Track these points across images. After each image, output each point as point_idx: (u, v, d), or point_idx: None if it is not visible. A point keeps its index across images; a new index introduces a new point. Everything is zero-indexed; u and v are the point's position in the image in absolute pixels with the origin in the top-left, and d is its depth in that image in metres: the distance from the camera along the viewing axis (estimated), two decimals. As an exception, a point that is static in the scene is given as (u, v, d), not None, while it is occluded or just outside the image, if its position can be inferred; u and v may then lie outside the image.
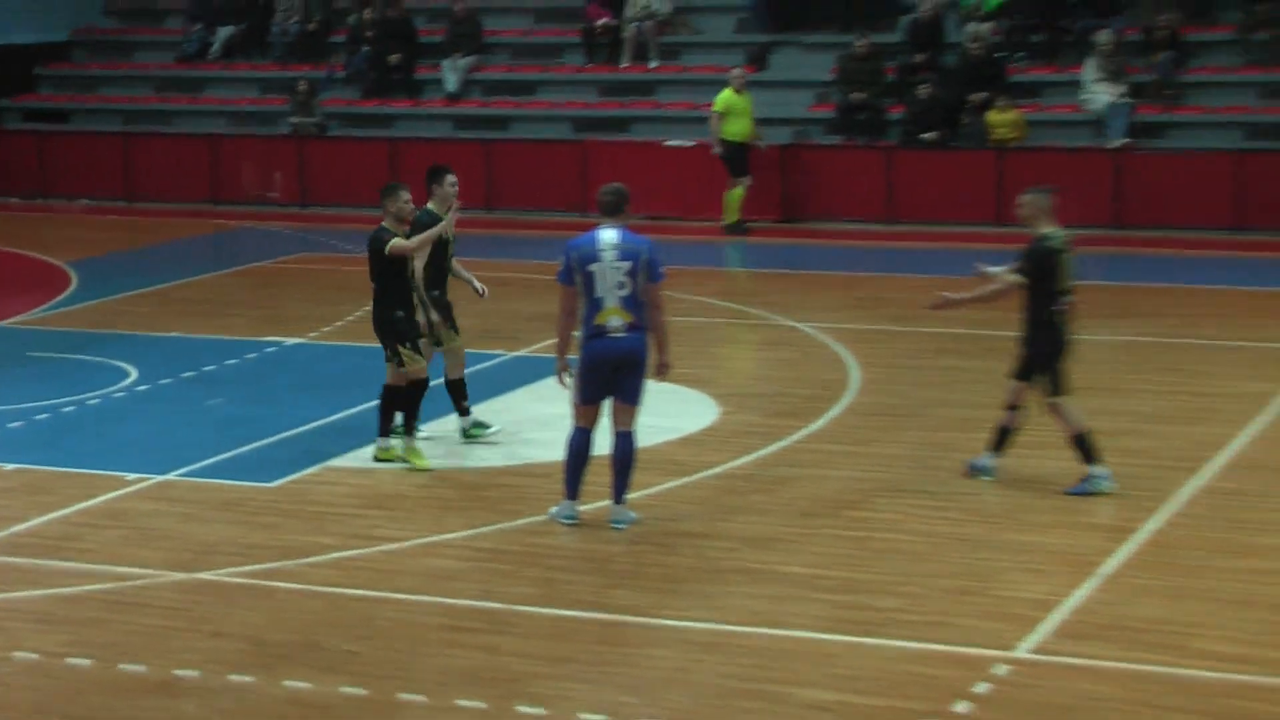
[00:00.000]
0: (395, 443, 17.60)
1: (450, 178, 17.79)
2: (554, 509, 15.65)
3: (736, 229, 31.37)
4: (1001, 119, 31.63)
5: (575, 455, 15.45)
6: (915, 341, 23.18)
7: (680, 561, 14.78)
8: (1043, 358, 16.41)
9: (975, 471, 16.74)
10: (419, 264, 17.50)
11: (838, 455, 17.93)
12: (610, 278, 15.10)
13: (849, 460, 17.78)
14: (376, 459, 17.52)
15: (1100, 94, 31.59)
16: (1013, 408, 16.62)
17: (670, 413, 18.43)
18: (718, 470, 17.32)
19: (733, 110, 31.28)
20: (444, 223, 17.44)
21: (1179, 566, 14.56)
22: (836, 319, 23.79)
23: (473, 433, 18.23)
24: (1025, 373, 16.55)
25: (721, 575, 14.43)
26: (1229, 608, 13.60)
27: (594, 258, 15.13)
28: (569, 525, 15.47)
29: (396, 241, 16.89)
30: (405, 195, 17.27)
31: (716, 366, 21.11)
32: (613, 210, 15.38)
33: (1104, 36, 31.71)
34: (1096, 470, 16.25)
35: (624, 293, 15.10)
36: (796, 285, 27.99)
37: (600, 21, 35.18)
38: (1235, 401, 19.71)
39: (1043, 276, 16.27)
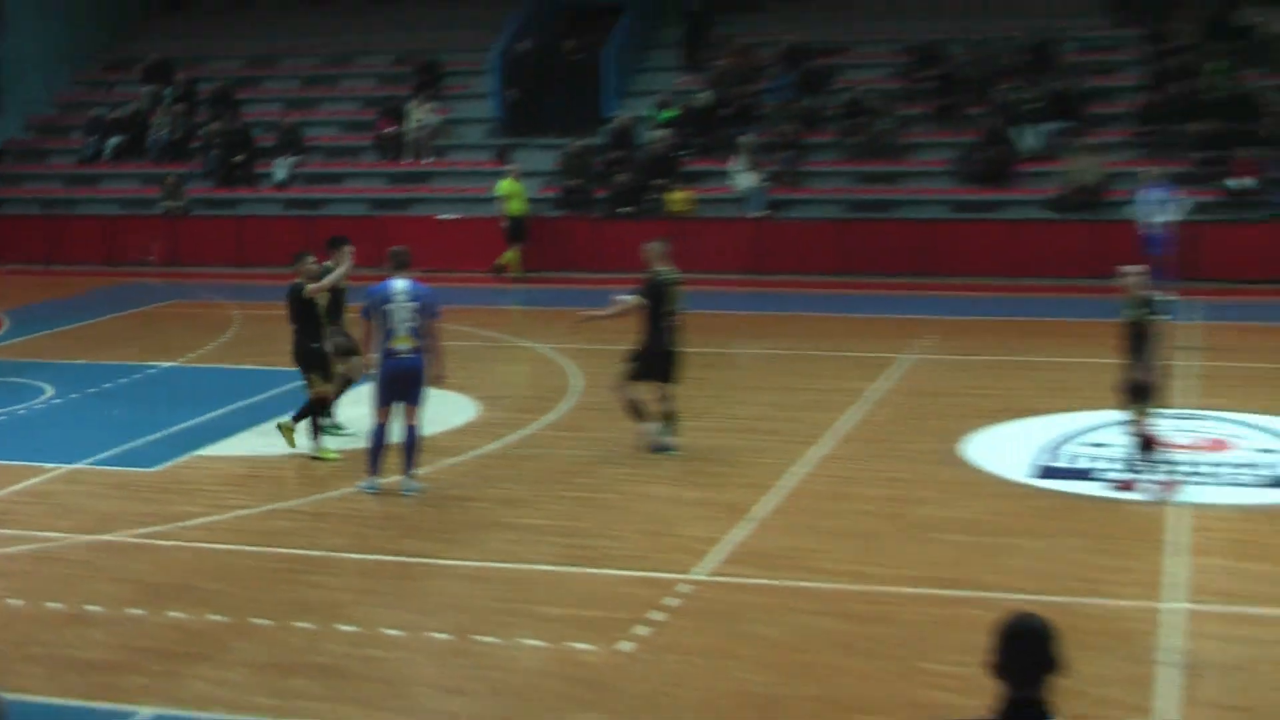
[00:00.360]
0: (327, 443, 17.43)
1: (348, 247, 18.02)
2: (361, 482, 15.84)
3: (499, 275, 31.59)
4: (676, 197, 32.22)
5: (376, 443, 15.77)
6: (610, 356, 23.43)
7: (453, 518, 15.02)
8: (650, 357, 17.00)
9: (659, 449, 17.08)
10: (322, 306, 17.50)
11: (566, 439, 18.06)
12: (401, 314, 15.55)
13: (574, 442, 17.95)
14: (314, 457, 17.22)
15: (744, 179, 32.41)
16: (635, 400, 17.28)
17: (443, 410, 18.59)
18: (479, 452, 17.50)
19: (511, 194, 31.70)
20: (340, 272, 17.64)
21: (803, 510, 15.04)
22: (562, 341, 24.07)
23: (332, 431, 17.99)
24: (641, 371, 17.14)
25: (483, 527, 14.68)
26: (838, 538, 14.13)
27: (389, 299, 15.59)
28: (372, 494, 15.66)
29: (309, 285, 17.14)
30: (311, 258, 17.54)
31: (476, 377, 21.09)
32: (402, 265, 15.86)
33: (746, 139, 32.57)
34: (648, 426, 17.16)
35: (411, 325, 15.58)
36: (534, 318, 28.10)
37: (388, 130, 35.53)
38: (839, 394, 19.98)
39: (656, 301, 16.98)
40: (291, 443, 17.46)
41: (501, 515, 15.03)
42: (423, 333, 15.76)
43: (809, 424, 18.52)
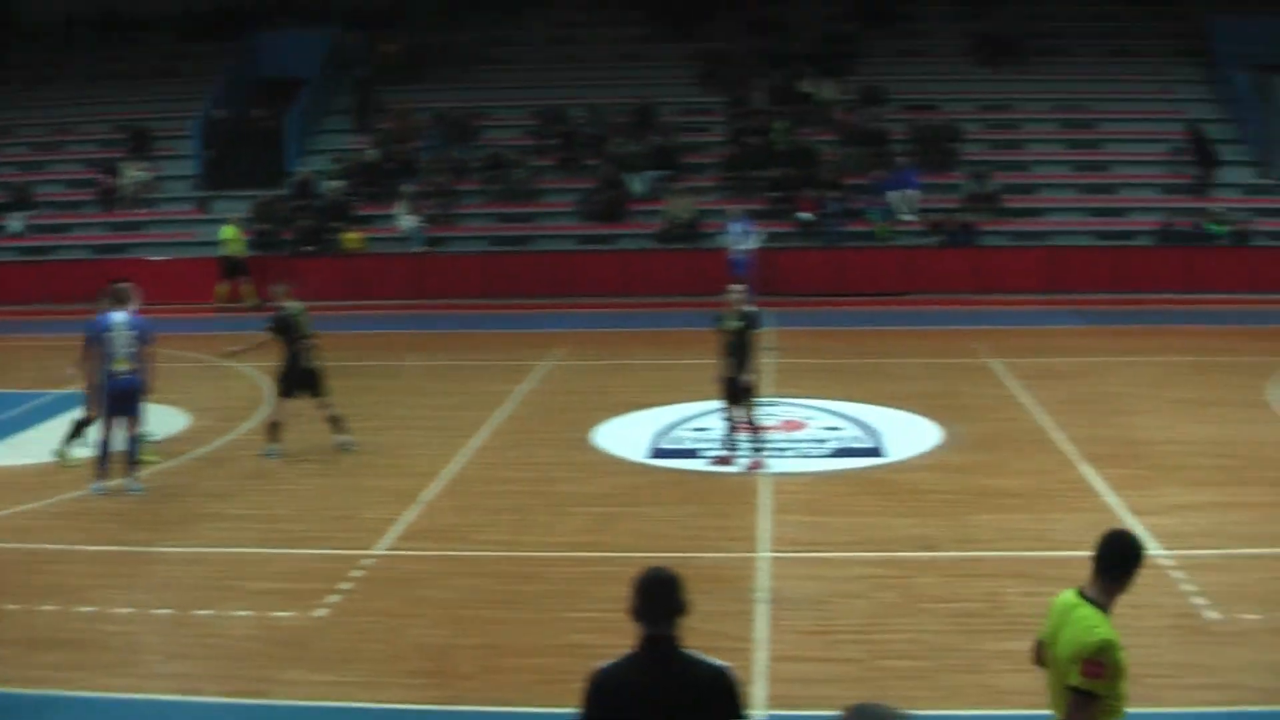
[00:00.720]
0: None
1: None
2: (93, 485, 15.19)
3: (226, 306, 30.59)
4: (350, 237, 31.81)
5: (103, 450, 15.23)
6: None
7: (170, 511, 14.52)
8: (292, 376, 16.80)
9: (342, 448, 16.85)
10: None
11: (260, 442, 17.22)
12: (121, 341, 15.16)
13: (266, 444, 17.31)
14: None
15: (406, 221, 32.21)
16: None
17: (159, 422, 18.22)
18: (190, 455, 16.96)
19: (232, 237, 30.91)
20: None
21: (463, 492, 15.02)
22: (250, 359, 23.61)
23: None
24: (286, 390, 16.94)
25: (196, 518, 14.26)
26: (493, 514, 14.16)
27: (109, 329, 15.21)
28: (101, 495, 15.05)
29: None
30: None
31: (187, 392, 20.67)
32: (122, 300, 15.49)
33: (406, 188, 32.47)
34: (274, 449, 16.73)
35: (130, 350, 15.19)
36: (235, 341, 27.34)
37: (106, 185, 34.26)
38: (490, 396, 19.92)
39: (286, 331, 16.82)
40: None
41: (211, 507, 14.67)
42: (139, 356, 15.34)
43: (465, 421, 18.47)
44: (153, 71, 38.67)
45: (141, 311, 15.82)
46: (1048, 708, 6.79)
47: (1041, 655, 6.93)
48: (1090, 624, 6.50)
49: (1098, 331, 26.04)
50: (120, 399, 15.34)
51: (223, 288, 31.05)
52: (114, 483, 15.32)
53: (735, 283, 17.28)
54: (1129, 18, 38.19)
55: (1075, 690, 6.41)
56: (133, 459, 15.42)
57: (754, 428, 15.93)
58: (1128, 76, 36.02)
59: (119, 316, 15.39)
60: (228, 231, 31.10)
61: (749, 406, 15.87)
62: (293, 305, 17.14)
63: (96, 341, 15.35)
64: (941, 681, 9.70)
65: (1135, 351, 23.64)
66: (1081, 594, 6.76)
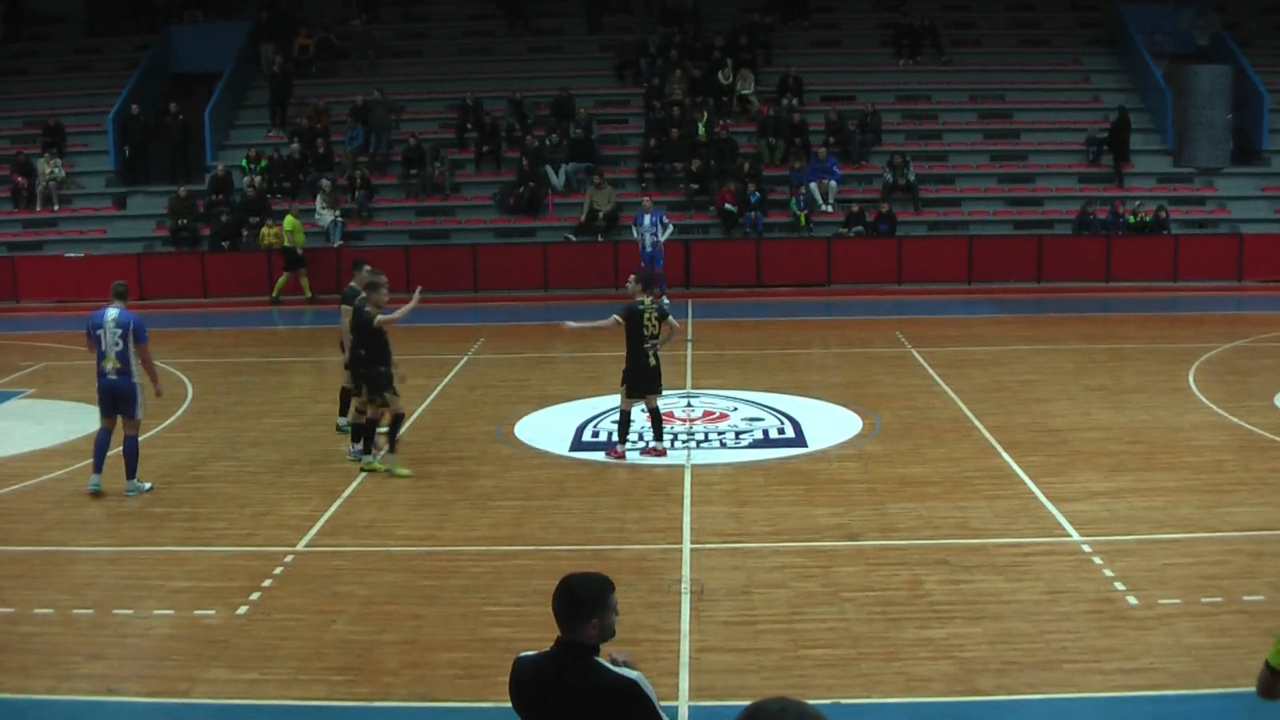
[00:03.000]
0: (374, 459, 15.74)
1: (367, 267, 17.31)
2: (91, 479, 14.87)
3: (277, 301, 30.48)
4: (268, 232, 31.38)
5: (99, 447, 15.02)
6: (220, 369, 22.92)
7: (89, 511, 14.37)
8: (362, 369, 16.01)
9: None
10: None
11: (180, 439, 17.43)
12: (109, 338, 14.83)
13: (189, 442, 17.31)
14: (364, 470, 15.57)
15: (326, 215, 32.09)
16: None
17: (79, 420, 18.26)
18: (111, 453, 15.43)
19: (293, 229, 30.32)
20: (410, 306, 16.19)
21: (383, 487, 14.93)
22: (179, 357, 23.51)
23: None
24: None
25: (115, 517, 14.12)
26: (413, 509, 14.13)
27: (100, 325, 14.90)
28: (93, 492, 14.81)
29: (381, 317, 15.94)
30: (367, 267, 17.35)
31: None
32: (118, 296, 15.11)
33: (324, 183, 32.26)
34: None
35: (119, 349, 14.82)
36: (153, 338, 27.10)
37: (20, 183, 33.77)
38: (411, 391, 18.72)
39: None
40: (402, 471, 15.50)
41: (131, 506, 14.49)
42: (132, 355, 14.96)
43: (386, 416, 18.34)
44: (64, 67, 38.29)
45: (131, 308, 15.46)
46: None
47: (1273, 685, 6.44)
48: None
49: (1016, 320, 26.34)
50: (108, 399, 15.06)
51: (282, 279, 30.73)
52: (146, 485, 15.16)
53: (647, 274, 17.17)
54: (1043, 7, 38.70)
55: None
56: (131, 468, 15.02)
57: (660, 417, 16.12)
58: (1043, 66, 36.50)
59: (110, 313, 15.01)
60: (289, 223, 30.57)
61: (656, 395, 16.09)
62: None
63: (90, 338, 15.12)
64: (863, 670, 9.78)
65: (1054, 340, 23.95)
66: None
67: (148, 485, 15.14)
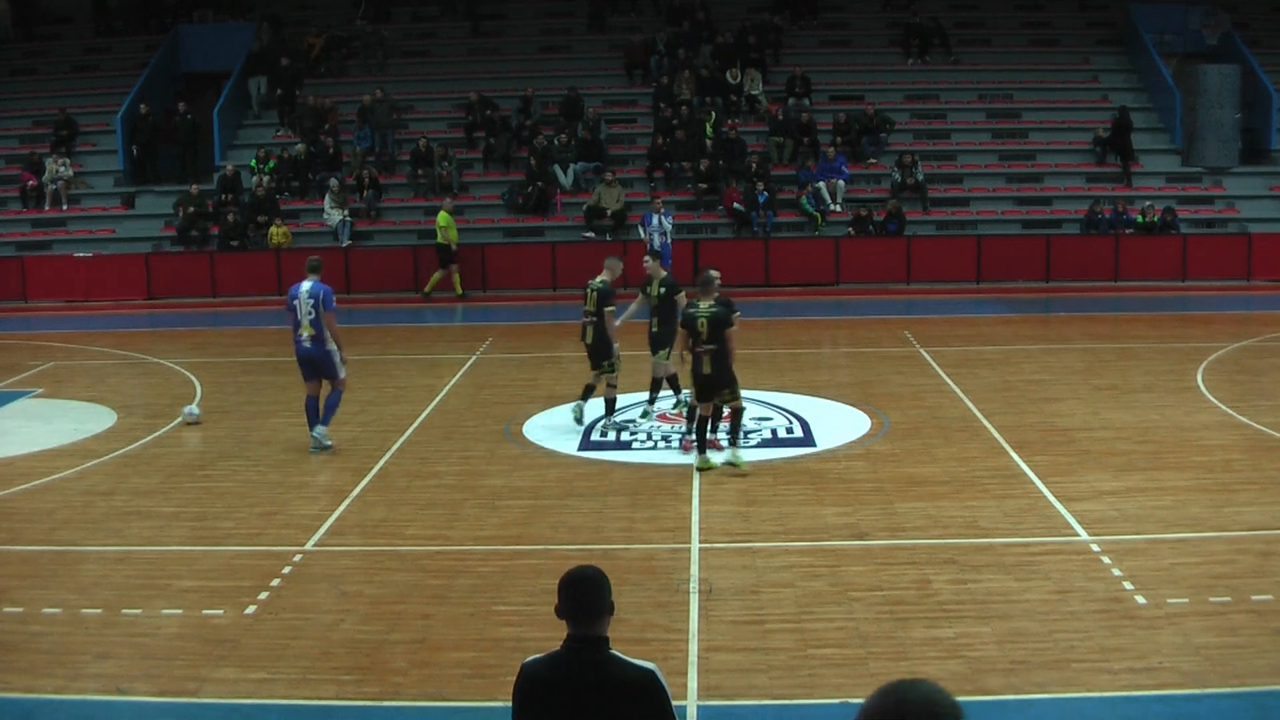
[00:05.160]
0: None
1: (611, 260, 18.08)
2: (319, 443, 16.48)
3: (427, 296, 30.51)
4: (276, 231, 31.60)
5: (309, 410, 16.64)
6: (229, 369, 22.97)
7: (98, 510, 14.27)
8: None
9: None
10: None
11: (189, 438, 17.40)
12: (304, 308, 16.31)
13: (196, 439, 17.34)
14: (700, 468, 15.20)
15: (334, 215, 32.13)
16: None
17: (87, 419, 18.16)
18: (119, 453, 16.60)
19: (447, 224, 30.24)
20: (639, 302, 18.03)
21: (393, 487, 14.94)
22: (186, 356, 23.60)
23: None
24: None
25: (124, 516, 14.05)
26: (423, 508, 14.14)
27: (296, 296, 16.44)
28: (317, 449, 16.37)
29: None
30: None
31: (114, 389, 20.47)
32: (313, 270, 16.68)
33: (333, 183, 32.32)
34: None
35: (311, 317, 16.32)
36: (162, 337, 26.94)
37: (30, 183, 33.82)
38: (419, 390, 20.01)
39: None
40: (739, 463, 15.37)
41: (139, 505, 14.49)
42: (319, 323, 16.34)
43: (395, 416, 18.45)
44: (74, 67, 38.37)
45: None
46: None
47: None
48: None
49: (1025, 320, 26.32)
50: (304, 364, 16.58)
51: (436, 275, 30.67)
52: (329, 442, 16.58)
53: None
54: (1052, 6, 38.68)
55: None
56: (326, 416, 16.60)
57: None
58: (1052, 65, 36.47)
59: (305, 285, 16.46)
60: (442, 218, 30.49)
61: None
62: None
63: (289, 309, 16.56)
64: (871, 669, 9.76)
65: (1062, 339, 23.92)
66: None
67: (329, 443, 16.47)
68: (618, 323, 17.59)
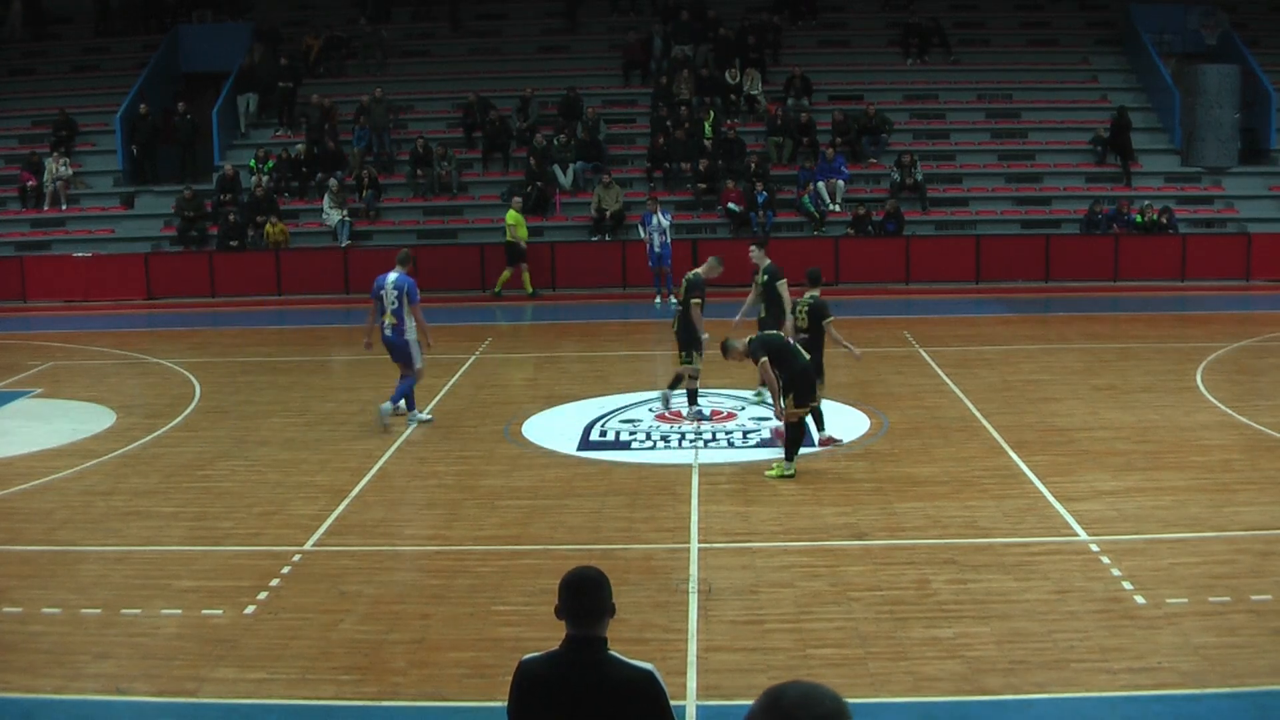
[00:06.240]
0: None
1: (713, 259, 18.23)
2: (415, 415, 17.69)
3: (499, 295, 30.44)
4: (274, 230, 31.62)
5: (405, 393, 17.67)
6: (228, 369, 22.87)
7: (97, 510, 14.27)
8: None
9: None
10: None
11: (189, 438, 17.40)
12: (389, 298, 17.35)
13: (196, 441, 17.24)
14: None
15: (333, 215, 32.14)
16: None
17: (86, 420, 18.16)
18: (118, 453, 16.62)
19: (516, 222, 30.08)
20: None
21: (392, 487, 14.98)
22: (185, 356, 23.62)
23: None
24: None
25: (123, 516, 14.01)
26: (421, 508, 14.22)
27: (382, 287, 17.49)
28: (418, 423, 17.56)
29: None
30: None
31: (113, 389, 20.54)
32: (400, 262, 17.62)
33: (332, 182, 32.34)
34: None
35: (394, 307, 17.33)
36: (161, 337, 27.11)
37: (29, 183, 33.83)
38: (417, 390, 18.86)
39: None
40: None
41: (139, 505, 14.48)
42: (406, 314, 17.32)
43: (394, 416, 18.33)
44: (73, 67, 38.38)
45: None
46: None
47: None
48: None
49: (1024, 319, 26.31)
50: (388, 350, 17.62)
51: (506, 273, 30.59)
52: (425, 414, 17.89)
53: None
54: (1051, 6, 38.70)
55: None
56: (395, 396, 17.57)
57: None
58: (1051, 65, 36.47)
59: (390, 276, 17.45)
60: (511, 216, 30.38)
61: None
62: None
63: (374, 298, 17.60)
64: (870, 669, 9.76)
65: (1062, 339, 23.92)
66: None
67: (389, 421, 17.35)
68: (736, 319, 18.45)
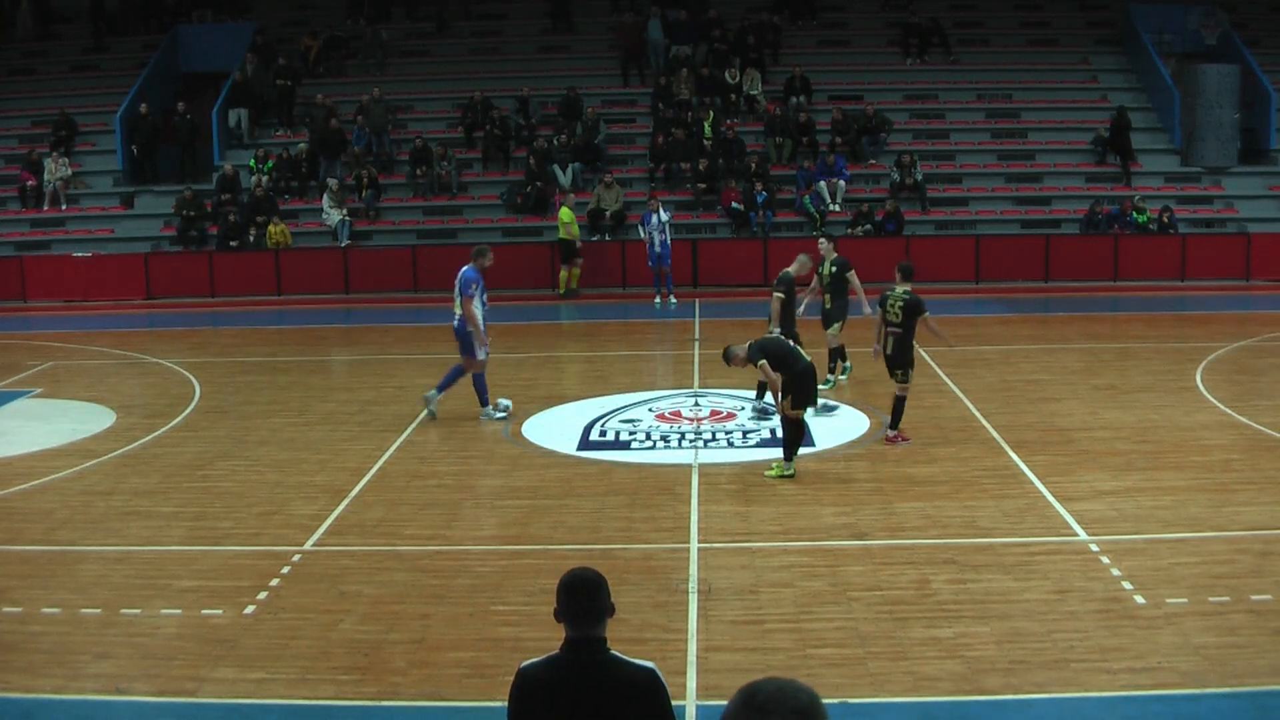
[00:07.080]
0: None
1: (803, 256, 18.81)
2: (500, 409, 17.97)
3: (570, 295, 30.21)
4: (275, 230, 31.62)
5: (476, 386, 18.02)
6: (228, 369, 22.84)
7: (97, 510, 14.27)
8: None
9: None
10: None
11: (189, 438, 17.41)
12: (456, 289, 17.88)
13: (196, 441, 17.25)
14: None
15: (333, 215, 32.13)
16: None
17: (86, 419, 18.18)
18: (118, 453, 16.63)
19: (569, 220, 29.93)
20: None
21: (392, 487, 14.91)
22: (185, 356, 23.63)
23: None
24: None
25: (123, 516, 14.01)
26: (421, 508, 14.12)
27: (457, 278, 17.97)
28: (491, 417, 17.84)
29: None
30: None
31: (113, 390, 20.58)
32: (474, 255, 18.12)
33: (332, 182, 32.35)
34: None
35: (457, 299, 17.87)
36: (162, 337, 26.97)
37: (29, 182, 33.84)
38: (415, 390, 19.26)
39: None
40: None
41: (138, 505, 14.48)
42: (463, 305, 17.81)
43: (392, 416, 18.45)
44: (73, 67, 38.38)
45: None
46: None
47: None
48: None
49: (1024, 319, 26.31)
50: (457, 338, 17.97)
51: (564, 273, 30.46)
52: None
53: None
54: (1051, 6, 38.71)
55: None
56: (442, 383, 18.04)
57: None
58: (1051, 65, 36.48)
59: (465, 268, 17.98)
60: (564, 214, 30.21)
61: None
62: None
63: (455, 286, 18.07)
64: (870, 669, 9.76)
65: (1061, 339, 23.91)
66: None
67: (434, 408, 17.92)
68: (800, 311, 18.78)
